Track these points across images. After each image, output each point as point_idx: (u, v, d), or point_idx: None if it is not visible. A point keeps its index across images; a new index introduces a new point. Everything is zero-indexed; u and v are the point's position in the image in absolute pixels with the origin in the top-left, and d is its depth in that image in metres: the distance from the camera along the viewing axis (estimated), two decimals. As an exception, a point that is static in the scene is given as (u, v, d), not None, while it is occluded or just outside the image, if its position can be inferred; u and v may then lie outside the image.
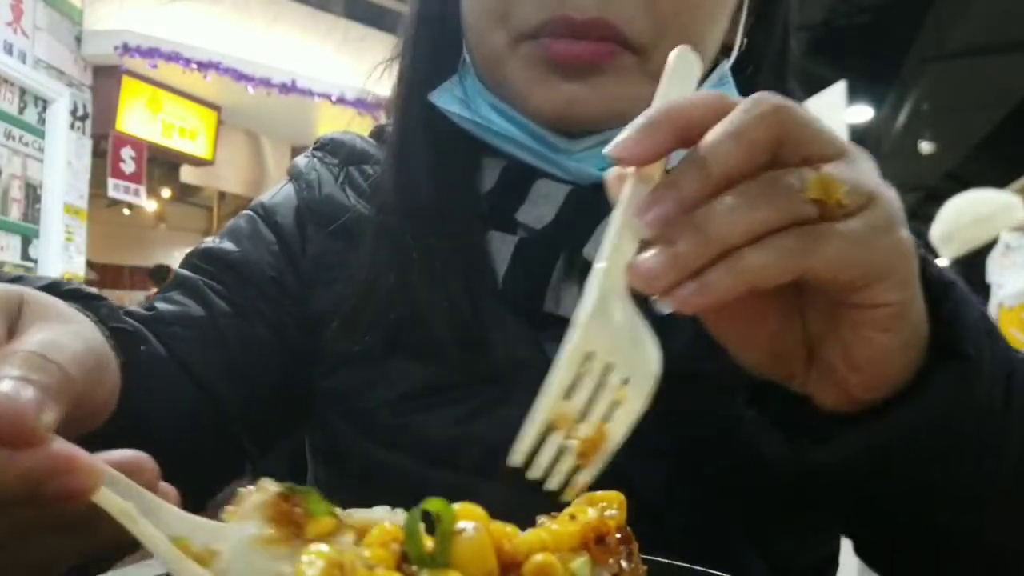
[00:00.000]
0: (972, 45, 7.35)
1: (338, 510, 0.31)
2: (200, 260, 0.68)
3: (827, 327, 0.41)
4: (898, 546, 0.53)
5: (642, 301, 0.37)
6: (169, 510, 0.32)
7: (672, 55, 0.41)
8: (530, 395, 0.62)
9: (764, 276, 0.35)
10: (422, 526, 0.28)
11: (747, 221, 0.35)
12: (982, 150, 9.32)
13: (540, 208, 0.63)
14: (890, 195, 0.38)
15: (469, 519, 0.29)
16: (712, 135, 0.36)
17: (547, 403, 0.35)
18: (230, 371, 0.63)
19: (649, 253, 0.35)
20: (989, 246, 3.30)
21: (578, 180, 0.63)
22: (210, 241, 0.71)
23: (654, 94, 0.62)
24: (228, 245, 0.69)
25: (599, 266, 0.36)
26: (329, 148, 0.74)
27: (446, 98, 0.67)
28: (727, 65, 0.66)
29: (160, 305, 0.65)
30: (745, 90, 0.66)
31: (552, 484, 0.34)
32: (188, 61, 5.26)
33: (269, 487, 0.30)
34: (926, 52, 7.92)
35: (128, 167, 5.39)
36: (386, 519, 0.31)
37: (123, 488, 0.30)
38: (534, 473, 0.34)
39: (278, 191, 0.74)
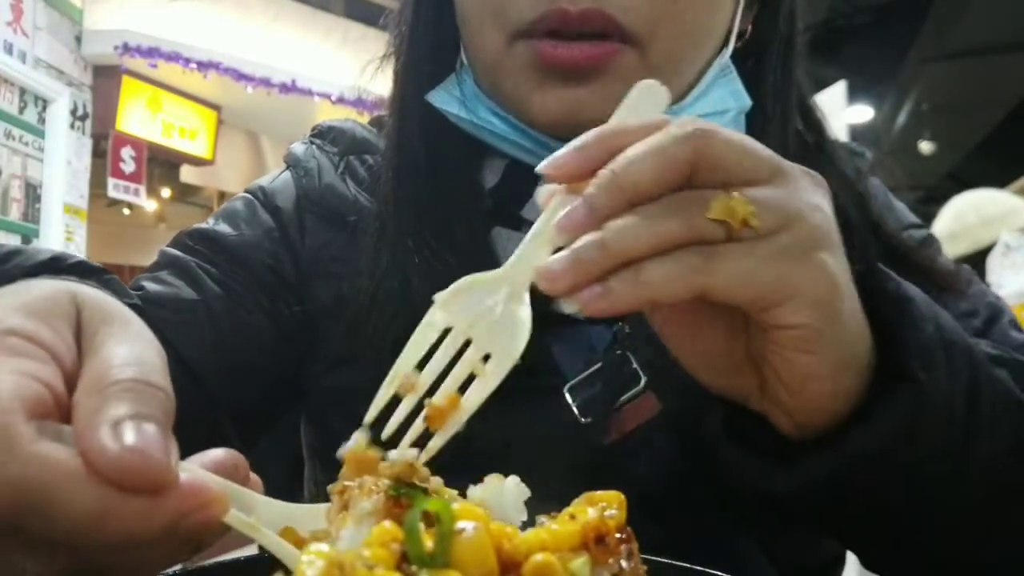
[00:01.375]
0: (972, 45, 7.34)
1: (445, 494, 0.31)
2: (193, 241, 0.66)
3: (758, 348, 0.42)
4: (894, 564, 0.52)
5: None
6: (269, 504, 0.33)
7: (635, 87, 0.43)
8: (535, 397, 0.61)
9: (663, 290, 0.36)
10: (422, 526, 0.28)
11: (647, 235, 0.36)
12: (982, 150, 9.30)
13: None
14: (817, 219, 0.39)
15: (469, 519, 0.29)
16: (630, 150, 0.37)
17: (398, 371, 0.37)
18: (220, 358, 0.61)
19: (554, 256, 0.37)
20: (990, 246, 3.30)
21: None
22: (204, 222, 0.68)
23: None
24: (224, 227, 0.66)
25: (508, 262, 0.39)
26: (329, 136, 0.72)
27: (444, 97, 0.65)
28: (726, 55, 0.64)
29: (148, 285, 0.62)
30: (752, 81, 0.65)
31: (403, 445, 0.36)
32: (188, 61, 5.27)
33: (379, 487, 0.31)
34: (926, 52, 7.91)
35: (128, 167, 5.39)
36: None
37: (234, 495, 0.31)
38: (387, 433, 0.37)
39: (276, 176, 0.71)
